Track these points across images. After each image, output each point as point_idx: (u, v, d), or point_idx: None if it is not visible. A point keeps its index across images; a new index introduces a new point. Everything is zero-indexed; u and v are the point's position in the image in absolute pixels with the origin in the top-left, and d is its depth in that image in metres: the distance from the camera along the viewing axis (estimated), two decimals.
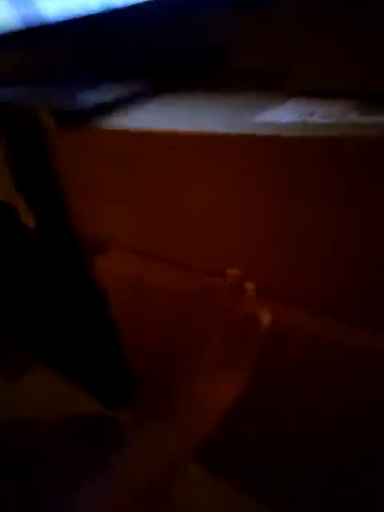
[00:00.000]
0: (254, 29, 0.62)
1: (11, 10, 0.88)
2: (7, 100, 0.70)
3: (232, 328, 0.44)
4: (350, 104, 0.42)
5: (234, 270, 0.47)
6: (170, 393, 0.43)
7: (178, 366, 0.45)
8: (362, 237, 0.39)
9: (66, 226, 0.73)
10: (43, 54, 0.93)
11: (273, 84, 0.53)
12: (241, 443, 0.71)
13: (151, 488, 0.40)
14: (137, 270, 0.62)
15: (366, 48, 0.45)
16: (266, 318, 0.44)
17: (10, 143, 0.68)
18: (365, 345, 0.44)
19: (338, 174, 0.37)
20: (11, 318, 1.16)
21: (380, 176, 0.35)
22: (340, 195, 0.38)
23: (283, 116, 0.43)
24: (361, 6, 0.47)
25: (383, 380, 0.44)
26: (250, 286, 0.46)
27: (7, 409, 0.99)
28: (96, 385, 1.01)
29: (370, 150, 0.35)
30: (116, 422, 0.56)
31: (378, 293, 0.41)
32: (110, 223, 0.65)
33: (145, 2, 0.65)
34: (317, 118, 0.41)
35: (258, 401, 0.55)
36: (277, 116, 0.44)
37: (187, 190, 0.50)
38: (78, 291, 0.82)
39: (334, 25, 0.53)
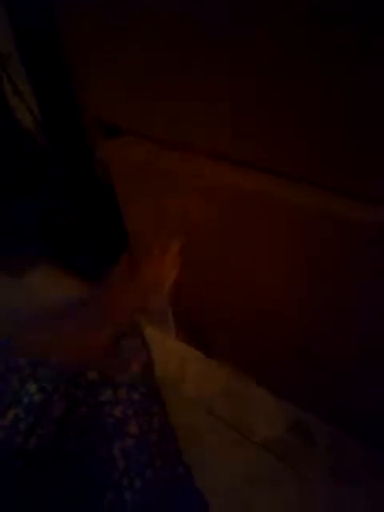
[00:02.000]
0: None
1: None
2: None
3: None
4: None
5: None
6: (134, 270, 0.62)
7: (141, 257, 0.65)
8: None
9: (71, 107, 0.71)
10: None
11: None
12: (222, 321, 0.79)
13: (117, 323, 0.52)
14: (146, 155, 0.61)
15: None
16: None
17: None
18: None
19: None
20: (14, 215, 1.15)
21: None
22: None
23: None
24: None
25: None
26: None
27: (10, 304, 1.03)
28: (98, 275, 1.01)
29: None
30: None
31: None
32: (120, 105, 0.62)
33: None
34: None
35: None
36: None
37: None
38: (83, 179, 0.82)
39: None
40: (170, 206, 0.66)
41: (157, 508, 0.49)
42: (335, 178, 0.47)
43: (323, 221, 0.49)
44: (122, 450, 0.50)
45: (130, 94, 0.58)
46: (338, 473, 0.71)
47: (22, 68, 0.72)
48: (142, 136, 0.62)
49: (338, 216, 0.47)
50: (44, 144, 0.88)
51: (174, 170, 0.59)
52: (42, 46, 0.66)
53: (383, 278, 0.50)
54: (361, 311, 0.55)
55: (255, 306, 0.69)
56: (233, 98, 0.48)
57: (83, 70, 0.63)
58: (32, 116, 0.95)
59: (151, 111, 0.58)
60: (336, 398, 0.71)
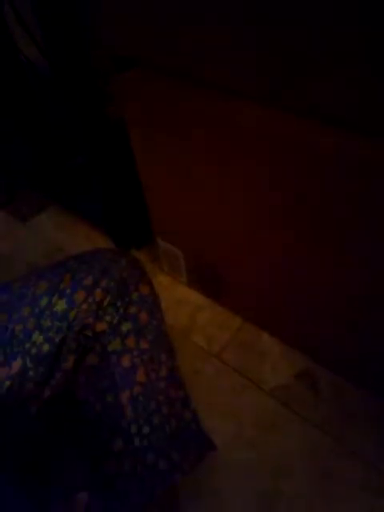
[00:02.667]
0: None
1: None
2: None
3: None
4: None
5: None
6: None
7: None
8: None
9: (78, 36, 0.66)
10: None
11: None
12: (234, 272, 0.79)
13: None
14: (164, 90, 0.58)
15: None
16: None
17: None
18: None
19: None
20: (26, 163, 1.13)
21: None
22: None
23: None
24: None
25: None
26: None
27: (22, 249, 1.05)
28: (113, 227, 1.02)
29: None
30: (132, 257, 0.57)
31: None
32: (138, 32, 0.56)
33: None
34: None
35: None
36: None
37: None
38: (92, 118, 0.78)
39: None
40: (190, 150, 0.61)
41: (165, 452, 0.50)
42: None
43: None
44: (130, 397, 0.50)
45: (151, 18, 0.51)
46: (342, 419, 0.72)
47: None
48: (161, 70, 0.56)
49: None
50: (49, 77, 0.82)
51: (198, 109, 0.54)
52: None
53: None
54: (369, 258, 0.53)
55: (266, 254, 0.66)
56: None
57: None
58: (37, 47, 0.87)
59: (175, 42, 0.51)
60: (341, 346, 0.71)
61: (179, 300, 0.93)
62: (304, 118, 0.47)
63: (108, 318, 0.50)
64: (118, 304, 0.50)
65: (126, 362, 0.50)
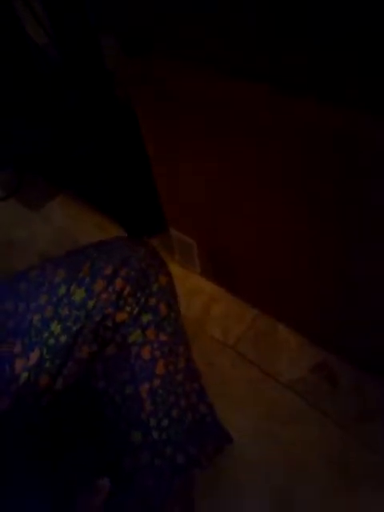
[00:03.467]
0: None
1: None
2: None
3: None
4: None
5: None
6: None
7: None
8: None
9: (86, 19, 0.63)
10: None
11: None
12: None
13: None
14: (173, 73, 0.55)
15: None
16: None
17: None
18: None
19: None
20: (36, 150, 1.11)
21: None
22: None
23: None
24: None
25: None
26: None
27: (34, 237, 1.03)
28: (124, 215, 1.00)
29: None
30: (152, 247, 0.55)
31: None
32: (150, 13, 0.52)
33: None
34: None
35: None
36: None
37: None
38: (105, 108, 0.76)
39: None
40: (202, 134, 0.58)
41: (183, 445, 0.49)
42: None
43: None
44: (149, 390, 0.48)
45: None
46: (360, 412, 0.71)
47: None
48: (172, 53, 0.53)
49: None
50: (59, 63, 0.79)
51: (207, 92, 0.52)
52: None
53: None
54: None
55: (283, 245, 0.64)
56: None
57: None
58: (45, 32, 0.84)
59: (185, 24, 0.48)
60: (360, 336, 0.69)
61: (192, 290, 0.91)
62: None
63: (128, 308, 0.48)
64: (139, 294, 0.48)
65: (146, 354, 0.49)
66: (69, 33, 0.66)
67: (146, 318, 0.49)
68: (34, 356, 0.45)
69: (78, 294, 0.47)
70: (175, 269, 0.93)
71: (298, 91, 0.45)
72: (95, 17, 0.64)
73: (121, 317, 0.48)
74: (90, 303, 0.47)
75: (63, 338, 0.46)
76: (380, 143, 0.41)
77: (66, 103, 0.85)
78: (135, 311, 0.49)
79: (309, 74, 0.43)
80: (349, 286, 0.61)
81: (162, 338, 0.50)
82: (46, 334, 0.46)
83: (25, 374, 0.44)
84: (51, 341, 0.45)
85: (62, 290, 0.48)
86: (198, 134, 0.60)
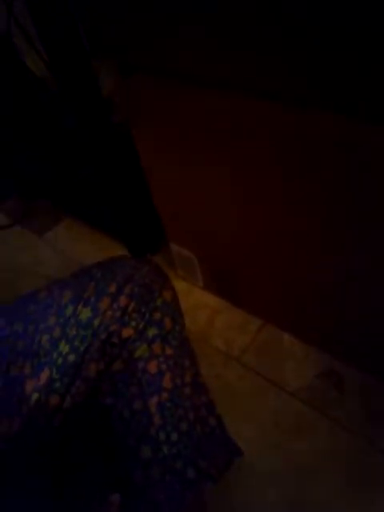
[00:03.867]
0: None
1: None
2: None
3: None
4: None
5: None
6: None
7: None
8: None
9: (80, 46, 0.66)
10: None
11: None
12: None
13: None
14: (166, 92, 0.57)
15: None
16: None
17: None
18: None
19: None
20: (39, 177, 1.14)
21: None
22: None
23: None
24: None
25: None
26: None
27: (40, 262, 1.05)
28: (127, 235, 1.01)
29: None
30: (154, 263, 0.56)
31: None
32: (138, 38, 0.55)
33: None
34: None
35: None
36: None
37: None
38: (102, 134, 0.79)
39: None
40: (197, 150, 0.60)
41: (193, 459, 0.49)
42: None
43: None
44: (158, 404, 0.49)
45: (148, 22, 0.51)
46: (370, 418, 0.70)
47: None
48: (162, 73, 0.56)
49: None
50: (57, 91, 0.82)
51: (200, 109, 0.54)
52: None
53: None
54: None
55: (284, 252, 0.65)
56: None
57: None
58: (43, 62, 0.87)
59: (173, 45, 0.51)
60: (366, 342, 0.69)
61: (196, 304, 0.91)
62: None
63: (133, 323, 0.49)
64: (143, 310, 0.49)
65: (153, 368, 0.49)
66: (64, 61, 0.69)
67: (151, 333, 0.50)
68: (44, 376, 0.46)
69: (84, 314, 0.48)
70: (178, 284, 0.94)
71: (298, 101, 0.46)
72: (90, 44, 0.67)
73: (126, 332, 0.49)
74: (96, 322, 0.48)
75: (71, 358, 0.46)
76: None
77: (64, 130, 0.87)
78: (140, 326, 0.49)
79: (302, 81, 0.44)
80: (355, 291, 0.62)
81: (168, 351, 0.51)
82: (54, 354, 0.47)
83: (35, 395, 0.45)
84: (60, 360, 0.46)
85: (69, 311, 0.49)
86: (192, 150, 0.61)
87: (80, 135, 0.81)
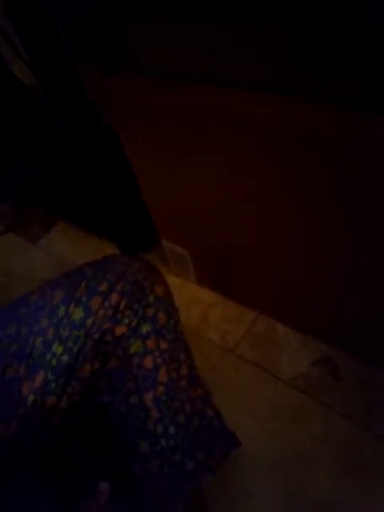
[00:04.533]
0: None
1: None
2: None
3: None
4: None
5: None
6: None
7: None
8: None
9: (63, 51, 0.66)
10: None
11: None
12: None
13: None
14: (147, 92, 0.57)
15: None
16: None
17: None
18: None
19: None
20: (31, 183, 1.13)
21: None
22: None
23: None
24: None
25: None
26: None
27: (35, 269, 1.05)
28: (119, 234, 1.01)
29: None
30: (146, 260, 0.56)
31: None
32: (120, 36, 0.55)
33: None
34: None
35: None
36: None
37: None
38: (91, 136, 0.79)
39: None
40: (183, 146, 0.60)
41: (191, 451, 0.49)
42: None
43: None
44: (154, 398, 0.49)
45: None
46: (366, 404, 0.70)
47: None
48: (144, 70, 0.56)
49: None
50: (44, 98, 0.81)
51: (184, 104, 0.53)
52: None
53: None
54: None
55: (277, 242, 0.65)
56: None
57: None
58: (29, 69, 0.87)
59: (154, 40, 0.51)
60: (360, 329, 0.69)
61: (190, 299, 0.91)
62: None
63: (126, 320, 0.49)
64: (136, 306, 0.49)
65: (148, 363, 0.49)
66: (48, 67, 0.68)
67: (145, 329, 0.50)
68: (39, 378, 0.46)
69: (77, 314, 0.48)
70: (172, 279, 0.94)
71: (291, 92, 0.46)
72: (73, 47, 0.66)
73: (120, 330, 0.49)
74: (89, 321, 0.47)
75: (65, 358, 0.46)
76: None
77: (54, 135, 0.87)
78: (134, 323, 0.49)
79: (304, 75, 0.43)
80: (349, 280, 0.62)
81: (163, 345, 0.51)
82: (48, 356, 0.46)
83: (32, 397, 0.45)
84: (54, 362, 0.46)
85: (62, 311, 0.48)
86: (181, 143, 0.61)
87: (69, 139, 0.80)
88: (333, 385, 0.74)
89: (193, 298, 0.92)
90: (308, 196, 0.54)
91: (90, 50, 0.61)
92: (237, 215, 0.66)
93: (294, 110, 0.46)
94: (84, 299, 0.48)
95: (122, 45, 0.56)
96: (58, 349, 0.46)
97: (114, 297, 0.48)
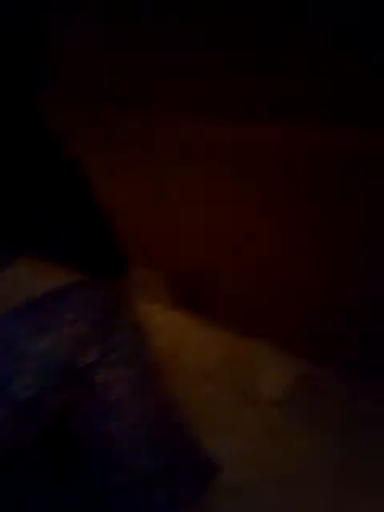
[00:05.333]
0: None
1: None
2: None
3: None
4: None
5: None
6: None
7: None
8: None
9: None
10: None
11: None
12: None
13: None
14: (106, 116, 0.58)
15: None
16: None
17: None
18: None
19: None
20: None
21: None
22: None
23: None
24: None
25: None
26: None
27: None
28: (87, 262, 0.99)
29: None
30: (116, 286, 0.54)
31: None
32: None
33: None
34: None
35: None
36: None
37: None
38: (53, 168, 0.78)
39: None
40: (146, 171, 0.60)
41: (167, 483, 0.46)
42: None
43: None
44: (124, 427, 0.47)
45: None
46: (349, 418, 0.70)
47: None
48: (109, 98, 0.56)
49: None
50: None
51: (138, 128, 0.54)
52: None
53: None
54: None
55: (252, 263, 0.65)
56: None
57: None
58: None
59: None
60: (342, 342, 0.69)
61: (163, 324, 0.90)
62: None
63: (95, 349, 0.47)
64: (103, 334, 0.48)
65: (116, 391, 0.47)
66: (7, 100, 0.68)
67: (112, 357, 0.48)
68: (1, 415, 0.43)
69: (42, 343, 0.46)
70: (144, 305, 0.93)
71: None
72: (38, 79, 0.67)
73: (86, 359, 0.47)
74: (55, 351, 0.45)
75: (29, 392, 0.44)
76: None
77: (15, 170, 0.86)
78: (102, 351, 0.47)
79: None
80: (333, 293, 0.62)
81: (132, 374, 0.49)
82: (11, 390, 0.44)
83: None
84: (18, 396, 0.44)
85: (26, 343, 0.46)
86: (152, 169, 0.62)
87: (31, 174, 0.80)
88: (315, 402, 0.73)
89: (167, 322, 0.90)
90: (281, 217, 0.55)
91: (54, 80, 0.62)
92: (211, 237, 0.66)
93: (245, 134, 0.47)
94: (49, 328, 0.46)
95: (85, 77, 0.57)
96: (21, 381, 0.44)
97: (81, 325, 0.47)
